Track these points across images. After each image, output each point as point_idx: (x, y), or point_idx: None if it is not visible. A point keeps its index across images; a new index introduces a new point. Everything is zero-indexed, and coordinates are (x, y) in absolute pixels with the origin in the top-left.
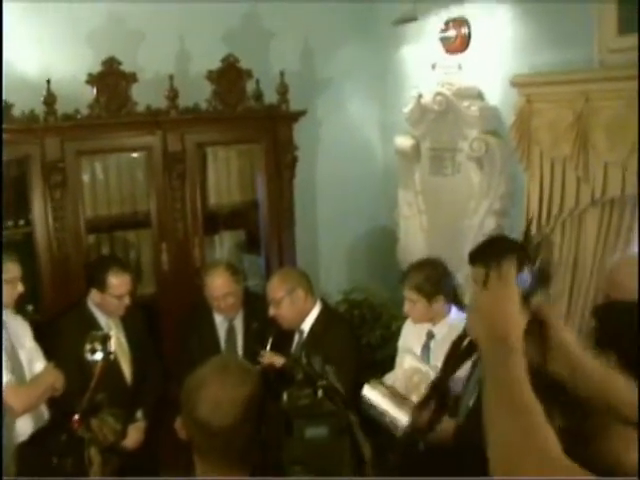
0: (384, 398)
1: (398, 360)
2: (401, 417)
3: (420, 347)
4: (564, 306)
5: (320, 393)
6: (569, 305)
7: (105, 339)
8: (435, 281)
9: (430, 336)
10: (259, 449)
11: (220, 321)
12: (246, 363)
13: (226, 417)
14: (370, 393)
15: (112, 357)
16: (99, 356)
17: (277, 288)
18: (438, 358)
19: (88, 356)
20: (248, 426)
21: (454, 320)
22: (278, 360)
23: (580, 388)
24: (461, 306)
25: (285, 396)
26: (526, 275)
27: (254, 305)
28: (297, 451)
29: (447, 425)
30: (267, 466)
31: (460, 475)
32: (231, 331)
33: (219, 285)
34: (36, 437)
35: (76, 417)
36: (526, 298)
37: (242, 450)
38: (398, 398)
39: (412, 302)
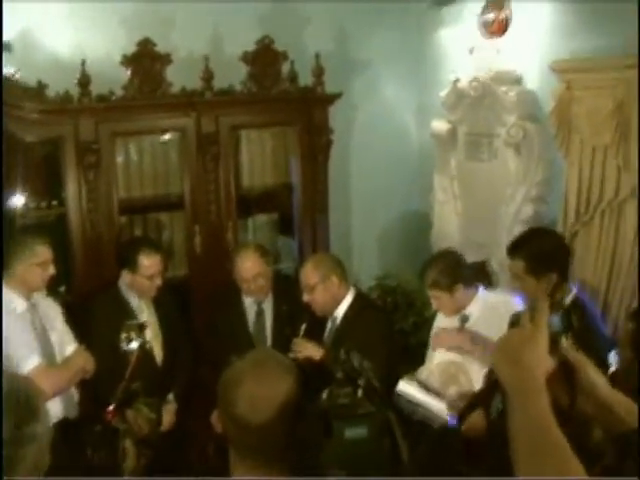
0: (420, 392)
1: (428, 354)
2: (438, 410)
3: None
4: (601, 297)
5: (360, 392)
6: (606, 295)
7: (141, 328)
8: (449, 272)
9: (464, 320)
10: (296, 448)
11: (249, 303)
12: (284, 358)
13: (263, 414)
14: (405, 387)
15: (148, 346)
16: (135, 345)
17: (311, 274)
18: None
19: (124, 345)
20: (285, 424)
21: (486, 297)
22: (313, 350)
23: (611, 425)
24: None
25: (325, 395)
26: (556, 318)
27: (284, 288)
28: (336, 452)
29: (480, 420)
30: (305, 466)
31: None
32: (260, 314)
33: (249, 267)
34: (70, 428)
35: (111, 408)
36: (555, 341)
37: (278, 448)
38: (433, 392)
39: (436, 299)
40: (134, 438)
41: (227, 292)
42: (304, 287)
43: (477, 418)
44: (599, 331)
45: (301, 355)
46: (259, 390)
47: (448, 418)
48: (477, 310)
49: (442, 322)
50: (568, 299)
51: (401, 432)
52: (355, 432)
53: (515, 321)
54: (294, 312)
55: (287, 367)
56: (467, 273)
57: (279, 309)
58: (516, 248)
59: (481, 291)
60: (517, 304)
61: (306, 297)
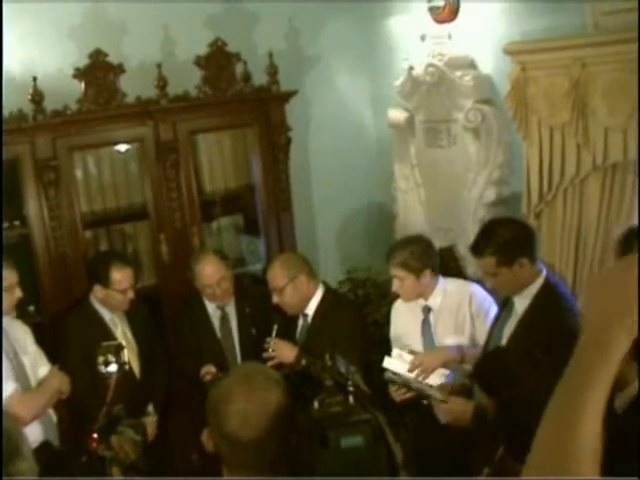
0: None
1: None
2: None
3: (419, 325)
4: (570, 275)
5: (351, 399)
6: (574, 273)
7: (118, 349)
8: (420, 256)
9: (427, 310)
10: (289, 459)
11: (213, 310)
12: (271, 370)
13: (255, 430)
14: (391, 364)
15: (126, 367)
16: (113, 368)
17: (279, 276)
18: (441, 329)
19: (102, 369)
20: (278, 437)
21: (445, 286)
22: (287, 349)
23: None
24: (464, 279)
25: (316, 404)
26: None
27: (245, 290)
28: (333, 462)
29: (466, 407)
30: (299, 475)
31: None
32: (225, 318)
33: (211, 272)
34: (56, 459)
35: (94, 435)
36: None
37: (272, 461)
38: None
39: (400, 280)
40: (122, 465)
41: (190, 302)
42: (273, 289)
43: (462, 407)
44: (571, 310)
45: (275, 355)
46: (249, 406)
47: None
48: (439, 300)
49: (401, 314)
50: (538, 283)
51: (393, 435)
52: (351, 441)
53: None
54: (257, 313)
55: (275, 379)
56: (436, 260)
57: (242, 312)
58: (481, 246)
59: (441, 280)
60: (475, 290)
61: (275, 299)
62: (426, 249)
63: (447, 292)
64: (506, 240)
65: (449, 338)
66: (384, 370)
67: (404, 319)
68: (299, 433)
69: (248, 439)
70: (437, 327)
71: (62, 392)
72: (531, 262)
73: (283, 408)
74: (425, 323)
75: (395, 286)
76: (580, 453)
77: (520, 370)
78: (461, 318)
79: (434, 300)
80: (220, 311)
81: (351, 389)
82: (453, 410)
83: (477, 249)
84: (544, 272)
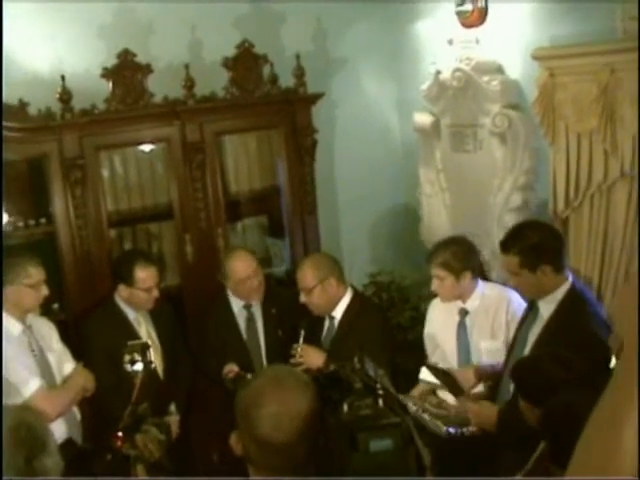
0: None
1: (430, 349)
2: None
3: (455, 327)
4: (595, 282)
5: (380, 402)
6: (600, 279)
7: (144, 348)
8: (462, 257)
9: (464, 313)
10: (318, 462)
11: (239, 310)
12: (300, 373)
13: (287, 434)
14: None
15: (153, 366)
16: (139, 367)
17: (309, 276)
18: (477, 332)
19: (128, 367)
20: (308, 440)
21: (484, 292)
22: (315, 355)
23: None
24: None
25: (345, 407)
26: None
27: (271, 291)
28: (362, 465)
29: (491, 411)
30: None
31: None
32: (251, 319)
33: (245, 265)
34: (80, 457)
35: (119, 434)
36: None
37: (301, 464)
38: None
39: (440, 279)
40: (146, 464)
41: (216, 301)
42: (302, 289)
43: (487, 410)
44: (597, 316)
45: (303, 360)
46: (282, 409)
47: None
48: (476, 303)
49: (438, 313)
50: (564, 289)
51: (421, 439)
52: (380, 444)
53: None
54: (284, 315)
55: (305, 382)
56: (477, 263)
57: (268, 313)
58: (508, 244)
59: (480, 284)
60: (512, 297)
61: (303, 298)
62: (468, 251)
63: (485, 296)
64: (533, 244)
65: (484, 342)
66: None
67: (440, 319)
68: (328, 436)
69: (280, 442)
70: (473, 330)
71: (87, 390)
72: (555, 270)
73: (314, 411)
74: (461, 326)
75: (434, 285)
76: (620, 468)
77: (559, 376)
78: (497, 323)
79: (472, 303)
80: (246, 311)
81: (380, 392)
82: (479, 413)
83: (504, 245)
84: (570, 278)
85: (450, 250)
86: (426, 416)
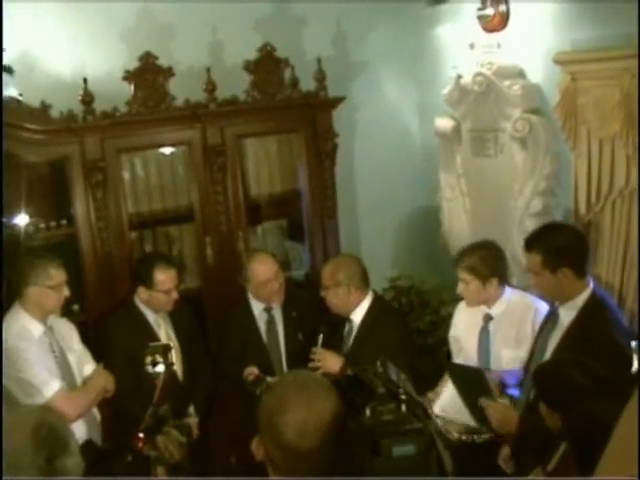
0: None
1: (455, 351)
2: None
3: (477, 332)
4: (616, 288)
5: (403, 407)
6: (621, 285)
7: (166, 350)
8: (489, 262)
9: (488, 319)
10: (341, 467)
11: (259, 313)
12: (323, 379)
13: (312, 439)
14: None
15: (174, 368)
16: (161, 368)
17: (332, 275)
18: (499, 339)
19: (149, 369)
20: (333, 445)
21: (510, 299)
22: (332, 360)
23: None
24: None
25: (368, 411)
26: None
27: (291, 294)
28: (384, 470)
29: (512, 413)
30: None
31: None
32: (271, 322)
33: (267, 267)
34: (101, 459)
35: (140, 435)
36: None
37: (325, 469)
38: None
39: (466, 283)
40: (166, 465)
41: (236, 304)
42: (324, 286)
43: (509, 412)
44: (618, 324)
45: (320, 365)
46: (307, 415)
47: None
48: (501, 310)
49: (463, 316)
50: (585, 295)
51: (443, 444)
52: (403, 449)
53: None
54: (304, 318)
55: (329, 387)
56: (504, 269)
57: (289, 316)
58: (532, 243)
59: (507, 290)
60: (540, 306)
61: (324, 293)
62: (496, 256)
63: (511, 303)
64: (557, 246)
65: (506, 350)
66: None
67: (465, 322)
68: (350, 441)
69: (305, 449)
70: (495, 337)
71: (107, 391)
72: (576, 275)
73: (338, 417)
74: (484, 331)
75: (460, 288)
76: None
77: (580, 382)
78: (522, 332)
79: (497, 309)
80: (267, 314)
81: (403, 397)
82: (500, 414)
83: (528, 244)
84: (591, 284)
85: (478, 254)
86: (439, 421)
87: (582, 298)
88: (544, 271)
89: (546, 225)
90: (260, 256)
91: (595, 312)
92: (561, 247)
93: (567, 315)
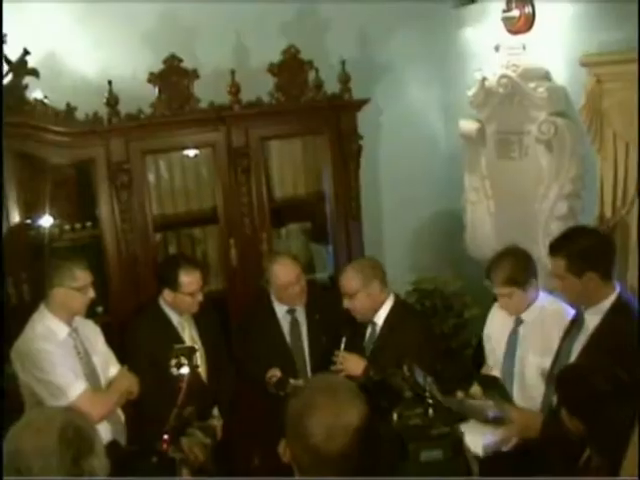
0: None
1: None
2: None
3: (507, 334)
4: None
5: (431, 412)
6: None
7: (191, 352)
8: (523, 267)
9: (519, 322)
10: (368, 471)
11: (283, 315)
12: (350, 383)
13: (339, 443)
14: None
15: (198, 370)
16: (186, 370)
17: (352, 280)
18: (527, 344)
19: (174, 371)
20: (360, 450)
21: (543, 303)
22: (355, 363)
23: None
24: None
25: (395, 416)
26: None
27: (314, 296)
28: (412, 475)
29: (536, 418)
30: None
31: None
32: (295, 324)
33: (288, 271)
34: (126, 459)
35: (165, 437)
36: None
37: (353, 474)
38: None
39: (508, 297)
40: (191, 467)
41: (260, 306)
42: (344, 294)
43: (532, 418)
44: None
45: (343, 368)
46: (335, 419)
47: None
48: (533, 315)
49: (497, 316)
50: (610, 299)
51: (469, 448)
52: (431, 455)
53: None
54: (327, 320)
55: (356, 391)
56: (536, 270)
57: (312, 318)
58: (557, 246)
59: (542, 295)
60: (568, 314)
61: (346, 303)
62: (526, 259)
63: (544, 309)
64: (582, 249)
65: (533, 356)
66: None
67: (497, 322)
68: (378, 445)
69: (332, 452)
70: (524, 341)
71: (131, 392)
72: (602, 279)
73: (365, 420)
74: (513, 334)
75: (502, 304)
76: None
77: (602, 388)
78: (550, 340)
79: (528, 314)
80: (290, 316)
81: (430, 401)
82: (523, 420)
83: (552, 247)
84: (617, 289)
85: (509, 264)
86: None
87: (608, 302)
88: (569, 275)
89: (570, 229)
90: (282, 259)
91: (621, 317)
92: (585, 251)
93: (592, 319)
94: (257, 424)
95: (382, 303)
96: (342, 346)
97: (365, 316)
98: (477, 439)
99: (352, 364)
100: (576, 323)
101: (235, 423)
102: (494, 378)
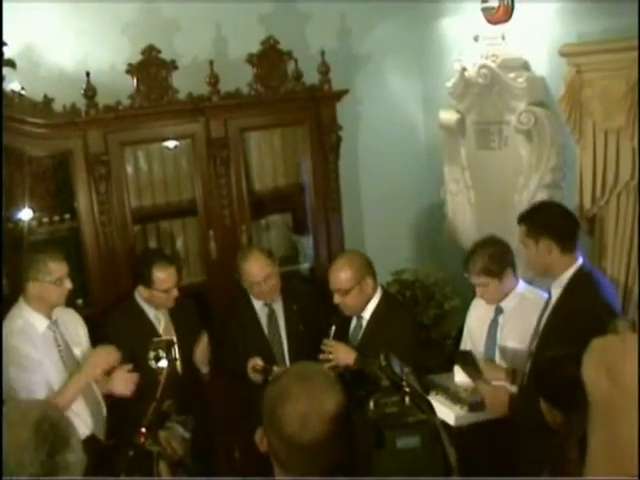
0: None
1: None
2: None
3: (487, 324)
4: (622, 279)
5: (407, 400)
6: (627, 278)
7: (169, 345)
8: (500, 257)
9: (499, 311)
10: (344, 460)
11: (260, 307)
12: (327, 371)
13: (315, 432)
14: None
15: (177, 363)
16: (164, 363)
17: (347, 278)
18: (507, 332)
19: (152, 364)
20: (336, 438)
21: (522, 291)
22: (345, 352)
23: None
24: None
25: (371, 404)
26: None
27: (292, 288)
28: (389, 463)
29: (504, 395)
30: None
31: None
32: (272, 316)
33: (258, 269)
34: (103, 453)
35: (143, 430)
36: None
37: (329, 463)
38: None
39: (484, 286)
40: (169, 461)
41: (237, 299)
42: (337, 290)
43: (501, 395)
44: (604, 298)
45: (333, 357)
46: (310, 407)
47: None
48: (512, 304)
49: (478, 306)
50: (571, 270)
51: (448, 438)
52: (407, 442)
53: (612, 329)
54: (305, 310)
55: (332, 379)
56: (514, 259)
57: (290, 309)
58: (522, 215)
59: (521, 284)
60: None
61: (337, 299)
62: (503, 250)
63: (524, 298)
64: (541, 217)
65: (512, 343)
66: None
67: (478, 313)
68: (354, 433)
69: (308, 441)
70: (503, 330)
71: (109, 363)
72: (562, 250)
73: (341, 408)
74: (493, 323)
75: (479, 293)
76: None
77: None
78: (530, 327)
79: (508, 303)
80: (267, 308)
81: (407, 390)
82: (493, 396)
83: (519, 216)
84: (579, 260)
85: (486, 254)
86: (442, 398)
87: (568, 274)
88: (529, 241)
89: (540, 202)
90: (252, 256)
91: (580, 285)
92: (545, 218)
93: (556, 293)
94: (236, 416)
95: (371, 298)
96: (331, 335)
97: (356, 311)
98: (448, 411)
99: (343, 354)
100: (547, 300)
101: (213, 416)
102: (468, 353)
